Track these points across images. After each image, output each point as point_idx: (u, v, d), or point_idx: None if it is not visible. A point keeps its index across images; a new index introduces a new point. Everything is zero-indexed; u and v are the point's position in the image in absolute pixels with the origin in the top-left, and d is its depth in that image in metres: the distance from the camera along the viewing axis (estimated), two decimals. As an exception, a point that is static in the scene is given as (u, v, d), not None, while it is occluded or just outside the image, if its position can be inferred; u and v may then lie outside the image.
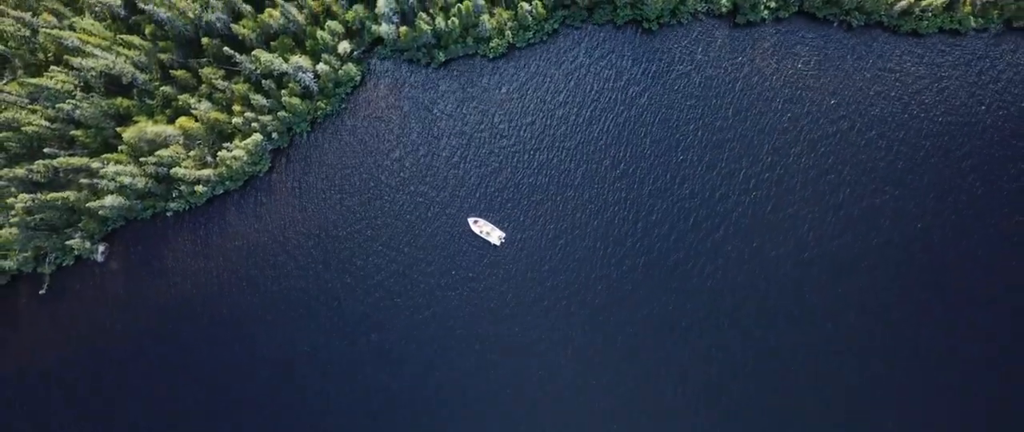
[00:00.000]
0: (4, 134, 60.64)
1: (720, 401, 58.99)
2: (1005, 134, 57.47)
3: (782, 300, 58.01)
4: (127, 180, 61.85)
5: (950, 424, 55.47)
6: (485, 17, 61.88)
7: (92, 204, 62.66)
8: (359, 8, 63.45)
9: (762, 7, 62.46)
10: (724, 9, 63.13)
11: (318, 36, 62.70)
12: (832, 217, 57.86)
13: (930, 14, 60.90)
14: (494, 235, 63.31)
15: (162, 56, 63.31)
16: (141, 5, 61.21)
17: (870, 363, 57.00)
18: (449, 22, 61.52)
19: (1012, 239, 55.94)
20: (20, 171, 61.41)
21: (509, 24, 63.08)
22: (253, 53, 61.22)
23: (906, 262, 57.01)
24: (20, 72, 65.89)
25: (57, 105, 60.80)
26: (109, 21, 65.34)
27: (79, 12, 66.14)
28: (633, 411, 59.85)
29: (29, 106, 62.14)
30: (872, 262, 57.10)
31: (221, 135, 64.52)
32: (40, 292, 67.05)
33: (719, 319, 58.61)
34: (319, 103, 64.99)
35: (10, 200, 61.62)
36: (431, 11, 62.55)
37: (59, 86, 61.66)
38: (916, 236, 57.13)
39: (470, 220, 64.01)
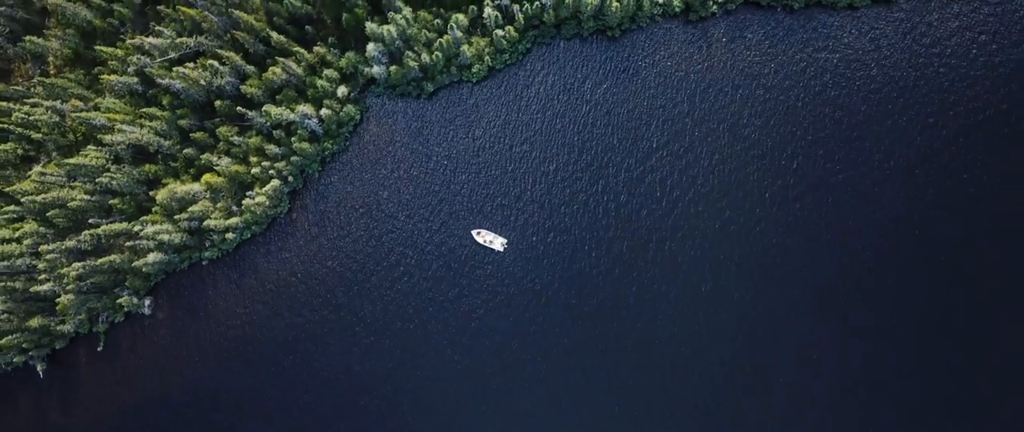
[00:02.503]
0: (52, 212, 67.39)
1: (710, 368, 65.68)
2: (937, 88, 63.77)
3: (749, 261, 64.91)
4: (165, 237, 68.51)
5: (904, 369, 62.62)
6: (464, 47, 68.50)
7: (136, 263, 69.41)
8: (351, 55, 70.09)
9: (711, 2, 68.93)
10: (677, 9, 69.56)
11: (318, 85, 69.30)
12: (791, 181, 64.48)
13: (862, -12, 67.36)
14: (497, 242, 69.66)
15: (181, 122, 70.05)
16: (157, 79, 68.09)
17: (834, 316, 63.69)
18: (433, 56, 68.20)
19: (952, 186, 62.53)
20: (70, 243, 68.15)
21: (487, 50, 69.67)
22: (263, 108, 67.98)
23: (859, 215, 63.55)
24: (54, 154, 72.87)
25: (96, 179, 67.63)
26: (128, 98, 72.17)
27: (99, 93, 72.88)
28: (628, 387, 66.77)
29: (70, 183, 69.00)
30: (828, 219, 63.77)
31: (243, 185, 71.14)
32: (98, 350, 73.74)
33: (701, 287, 65.67)
34: (326, 144, 71.57)
35: (64, 270, 68.34)
36: (416, 49, 69.16)
37: (94, 162, 68.50)
38: (866, 191, 63.56)
39: (473, 232, 70.34)
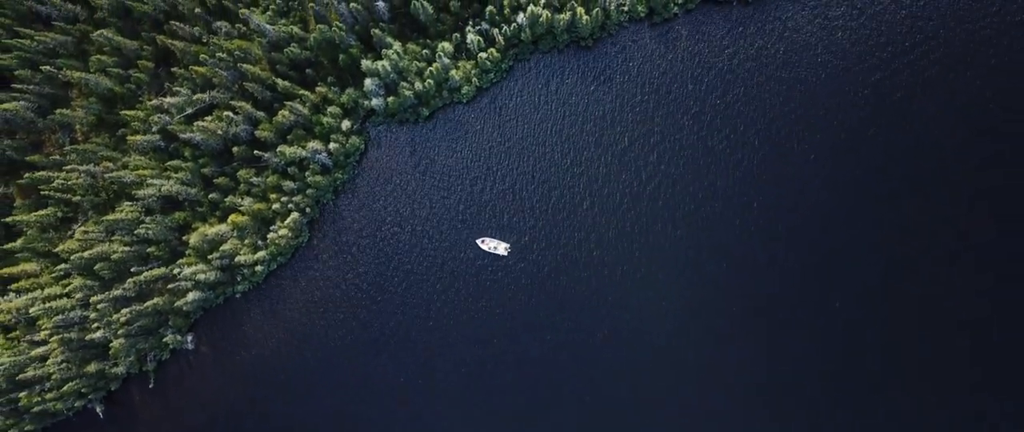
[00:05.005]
0: (98, 265, 74.00)
1: (709, 338, 72.09)
2: (883, 57, 69.86)
3: (721, 233, 71.69)
4: (200, 277, 74.94)
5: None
6: (453, 72, 74.85)
7: (177, 303, 75.91)
8: (350, 91, 76.47)
9: (672, 4, 75.09)
10: (642, 13, 75.78)
11: (323, 122, 75.70)
12: (752, 156, 70.84)
13: (808, -25, 73.60)
14: (501, 248, 75.83)
15: (204, 170, 76.64)
16: (178, 134, 74.77)
17: (798, 255, 70.67)
18: (425, 83, 74.55)
19: (897, 141, 69.05)
20: (116, 292, 74.69)
21: (473, 72, 75.94)
22: (277, 149, 74.54)
23: (818, 177, 69.96)
24: (90, 213, 79.47)
25: (133, 232, 74.22)
26: (152, 154, 78.70)
27: (126, 153, 79.33)
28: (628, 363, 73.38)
29: (110, 238, 75.60)
30: (790, 181, 70.39)
31: (265, 221, 77.56)
32: (149, 387, 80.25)
33: (684, 263, 72.55)
34: (337, 175, 77.99)
35: (113, 317, 74.90)
36: (408, 78, 75.48)
37: (129, 216, 75.11)
38: (822, 155, 69.88)
39: (478, 241, 76.49)
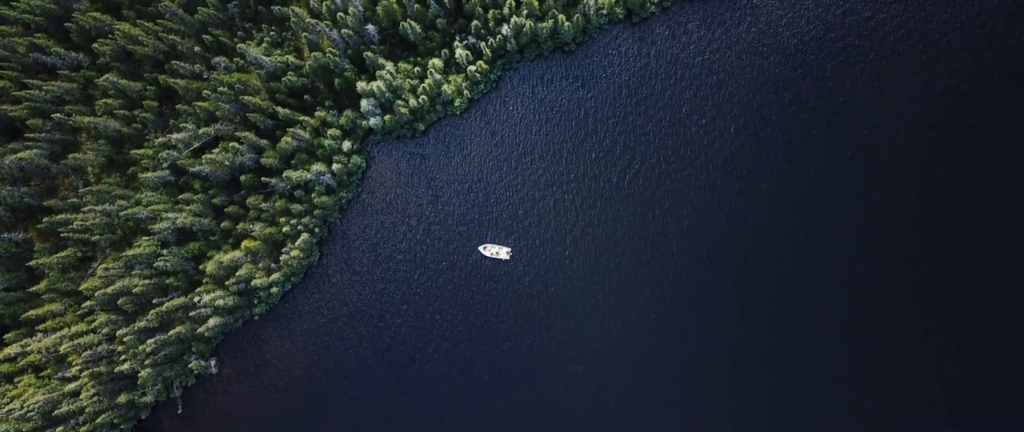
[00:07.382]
0: (121, 299, 77.05)
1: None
2: (852, 33, 73.32)
3: (700, 212, 75.81)
4: (219, 302, 77.99)
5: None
6: (444, 86, 78.07)
7: (199, 330, 78.90)
8: (348, 112, 79.62)
9: (649, 4, 78.41)
10: (621, 15, 79.04)
11: (324, 144, 78.84)
12: (730, 137, 74.86)
13: (776, -35, 76.84)
14: (503, 252, 78.87)
15: (214, 201, 79.70)
16: (187, 168, 77.91)
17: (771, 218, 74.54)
18: (419, 100, 77.73)
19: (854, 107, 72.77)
20: (140, 324, 77.70)
21: (464, 85, 79.20)
22: (283, 174, 77.66)
23: (788, 153, 73.92)
24: (108, 250, 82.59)
25: (152, 265, 77.34)
26: (163, 189, 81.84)
27: (137, 190, 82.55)
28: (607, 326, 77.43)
29: (130, 273, 78.67)
30: (762, 159, 74.26)
31: (277, 244, 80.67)
32: (178, 413, 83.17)
33: (673, 248, 76.35)
34: (341, 194, 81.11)
35: (140, 348, 77.93)
36: (403, 96, 78.68)
37: (146, 250, 78.22)
38: (795, 125, 73.96)
39: (480, 248, 79.55)
